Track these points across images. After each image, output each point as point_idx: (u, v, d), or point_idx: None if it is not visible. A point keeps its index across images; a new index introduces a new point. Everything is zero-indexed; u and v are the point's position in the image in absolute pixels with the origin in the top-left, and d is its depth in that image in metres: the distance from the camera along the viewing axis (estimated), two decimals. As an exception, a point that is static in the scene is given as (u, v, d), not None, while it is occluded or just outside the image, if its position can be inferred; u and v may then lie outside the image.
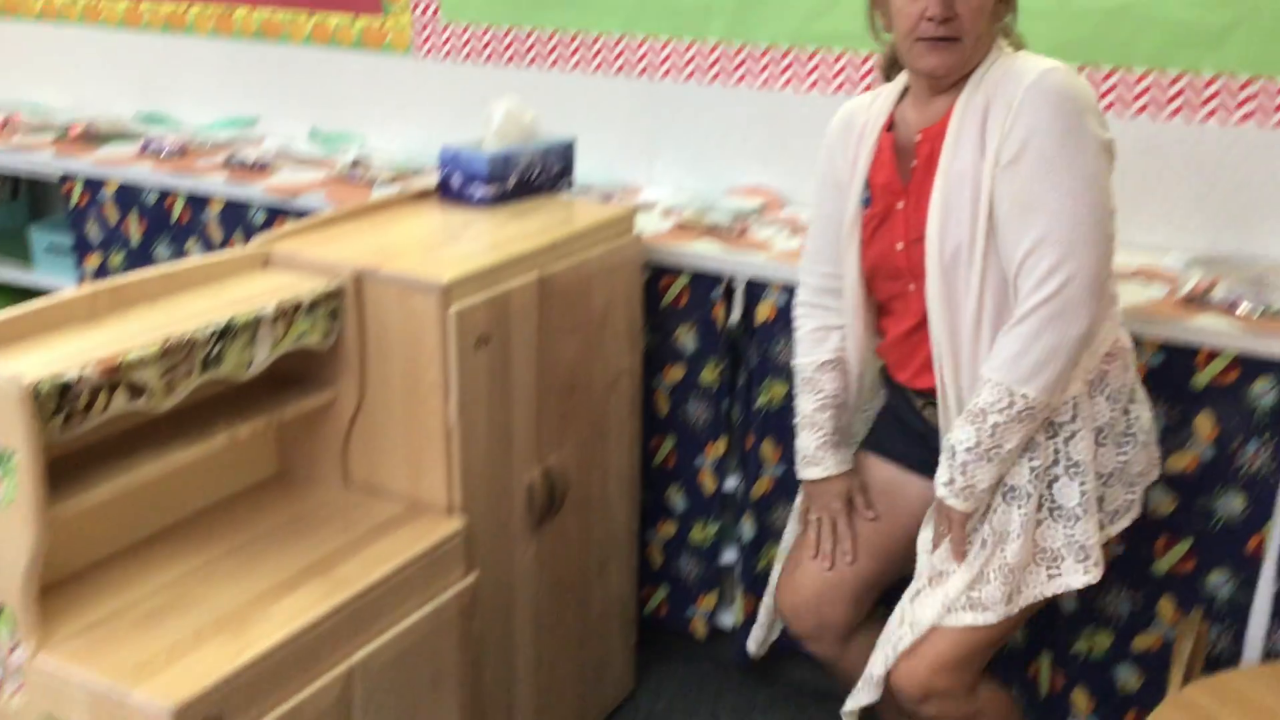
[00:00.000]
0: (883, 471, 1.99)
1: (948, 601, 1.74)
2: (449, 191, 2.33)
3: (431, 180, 2.38)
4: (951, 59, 1.69)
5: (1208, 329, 1.98)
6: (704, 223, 2.50)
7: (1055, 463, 1.72)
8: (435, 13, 3.01)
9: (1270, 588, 2.02)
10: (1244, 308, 2.01)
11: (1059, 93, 1.62)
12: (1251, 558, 2.03)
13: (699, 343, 2.42)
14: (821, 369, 1.97)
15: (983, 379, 1.70)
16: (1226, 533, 2.04)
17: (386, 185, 2.75)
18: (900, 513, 1.96)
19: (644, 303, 2.40)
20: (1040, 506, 1.73)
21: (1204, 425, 2.02)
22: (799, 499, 2.06)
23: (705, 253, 2.38)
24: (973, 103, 1.70)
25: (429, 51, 3.05)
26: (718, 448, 2.44)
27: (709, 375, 2.42)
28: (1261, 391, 1.97)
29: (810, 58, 2.63)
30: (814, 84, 2.63)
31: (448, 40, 3.02)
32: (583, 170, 2.67)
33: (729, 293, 2.36)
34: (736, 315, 2.36)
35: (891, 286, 1.85)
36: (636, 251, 2.32)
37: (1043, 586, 1.74)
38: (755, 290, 2.32)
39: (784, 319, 2.24)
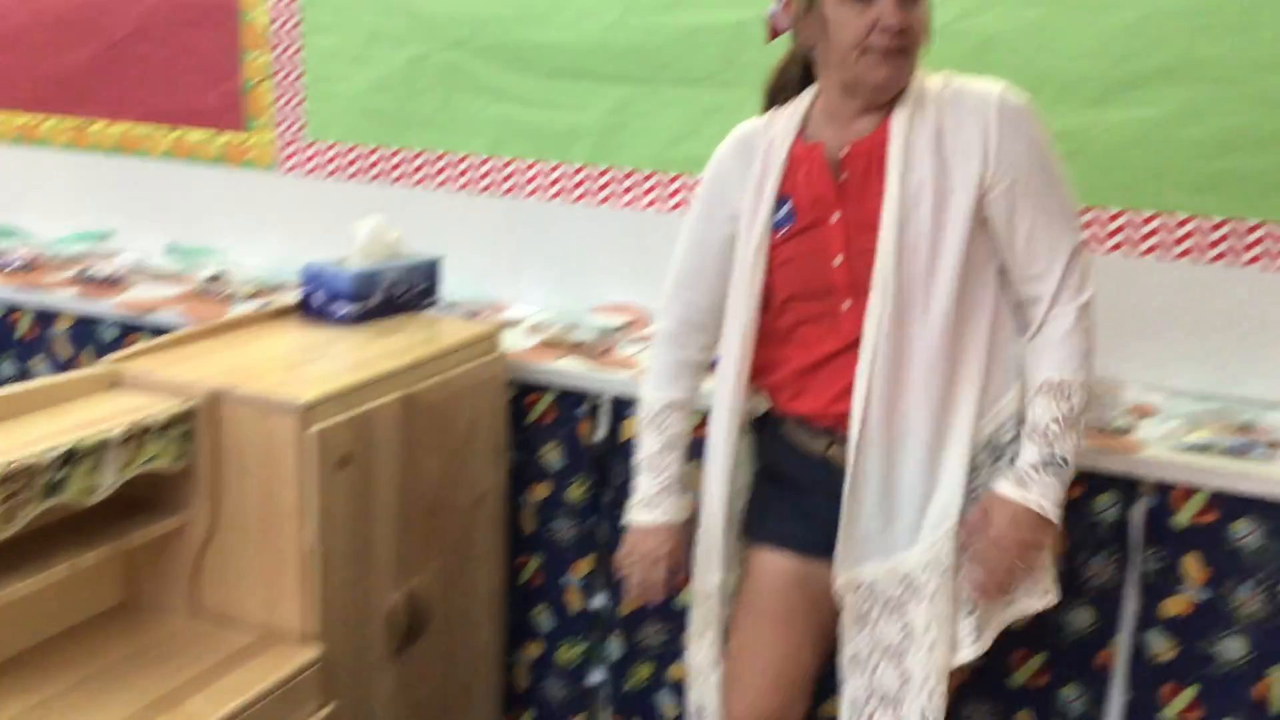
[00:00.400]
0: (784, 566, 1.82)
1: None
2: (311, 309, 2.30)
3: (293, 297, 2.35)
4: (903, 71, 1.67)
5: (1053, 445, 2.06)
6: (569, 340, 2.52)
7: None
8: (301, 129, 3.01)
9: (1120, 700, 2.08)
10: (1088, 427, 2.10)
11: (1032, 111, 1.68)
12: (1100, 671, 2.09)
13: (565, 460, 2.41)
14: (670, 408, 1.91)
15: (1050, 383, 1.67)
16: (1077, 646, 2.10)
17: (246, 302, 2.70)
18: (823, 608, 1.82)
19: (509, 420, 2.39)
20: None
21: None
22: (693, 614, 1.93)
23: (571, 370, 2.39)
24: (922, 118, 1.68)
25: (293, 168, 3.04)
26: (585, 566, 2.43)
27: (575, 493, 2.41)
28: (1104, 506, 2.04)
29: (673, 180, 2.70)
30: (677, 205, 2.69)
31: (313, 157, 3.02)
32: (449, 287, 2.67)
33: (595, 410, 2.37)
34: (602, 432, 2.37)
35: (814, 307, 1.75)
36: (502, 369, 2.32)
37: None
38: (621, 408, 2.34)
39: (649, 437, 2.26)
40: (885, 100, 1.69)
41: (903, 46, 1.64)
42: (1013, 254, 1.69)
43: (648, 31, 2.66)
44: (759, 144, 1.80)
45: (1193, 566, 2.01)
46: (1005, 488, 1.68)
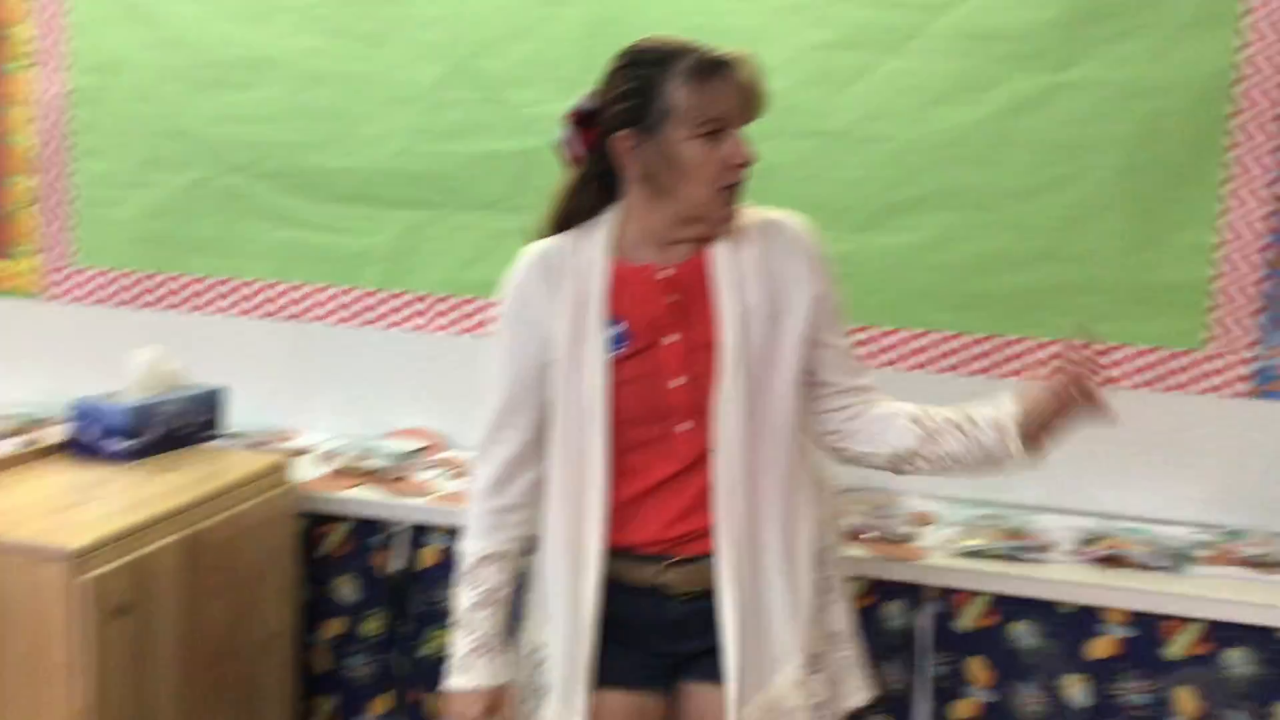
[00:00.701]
0: (626, 705, 1.74)
1: None
2: (82, 446, 2.17)
3: (61, 434, 2.22)
4: (739, 203, 1.70)
5: (846, 557, 2.13)
6: (363, 467, 2.46)
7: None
8: (71, 255, 2.87)
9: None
10: (871, 534, 2.19)
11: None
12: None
13: (360, 593, 2.33)
14: (487, 561, 1.76)
15: (934, 415, 1.73)
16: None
17: (7, 440, 2.53)
18: None
19: (301, 554, 2.30)
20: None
21: (848, 648, 2.14)
22: None
23: (365, 499, 2.33)
24: (745, 244, 1.71)
25: (62, 295, 2.89)
26: (382, 704, 2.34)
27: (371, 626, 2.33)
28: (893, 613, 2.12)
29: (466, 303, 2.71)
30: (470, 328, 2.70)
31: (86, 283, 2.88)
32: (234, 418, 2.57)
33: (390, 539, 2.31)
34: (399, 562, 2.31)
35: (648, 431, 1.71)
36: (292, 501, 2.25)
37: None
38: (419, 535, 2.29)
39: (449, 564, 2.22)
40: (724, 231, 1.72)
41: (743, 179, 1.69)
42: (836, 367, 1.74)
43: (436, 158, 2.68)
44: (564, 266, 1.74)
45: (978, 669, 2.10)
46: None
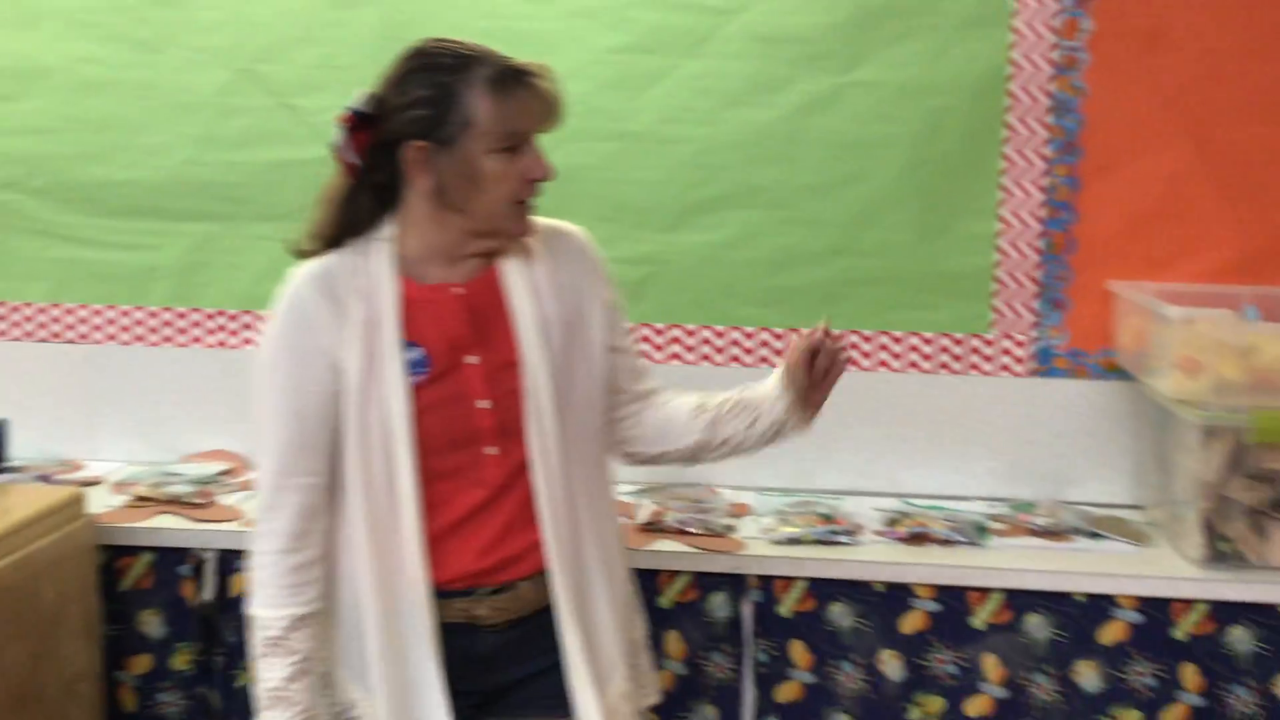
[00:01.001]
0: None
1: None
2: None
3: None
4: (532, 217, 1.65)
5: (669, 551, 2.17)
6: (164, 494, 2.34)
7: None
8: None
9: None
10: (694, 529, 2.23)
11: None
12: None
13: (168, 627, 2.22)
14: (298, 625, 1.60)
15: (714, 402, 1.74)
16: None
17: None
18: None
19: (102, 589, 2.18)
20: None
21: (672, 642, 2.17)
22: None
23: (168, 527, 2.22)
24: (537, 256, 1.67)
25: None
26: (197, 740, 2.24)
27: (181, 661, 2.23)
28: (717, 604, 2.17)
29: (262, 319, 2.61)
30: (270, 344, 2.60)
31: None
32: (16, 450, 2.41)
33: (199, 568, 2.21)
34: (208, 592, 2.21)
35: (455, 459, 1.62)
36: (89, 534, 2.12)
37: None
38: (228, 561, 2.20)
39: (262, 591, 2.13)
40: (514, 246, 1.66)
41: (539, 193, 1.63)
42: (628, 373, 1.74)
43: (225, 167, 2.58)
44: (349, 285, 1.60)
45: (799, 652, 2.16)
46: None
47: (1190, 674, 2.10)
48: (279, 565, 1.60)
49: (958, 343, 2.50)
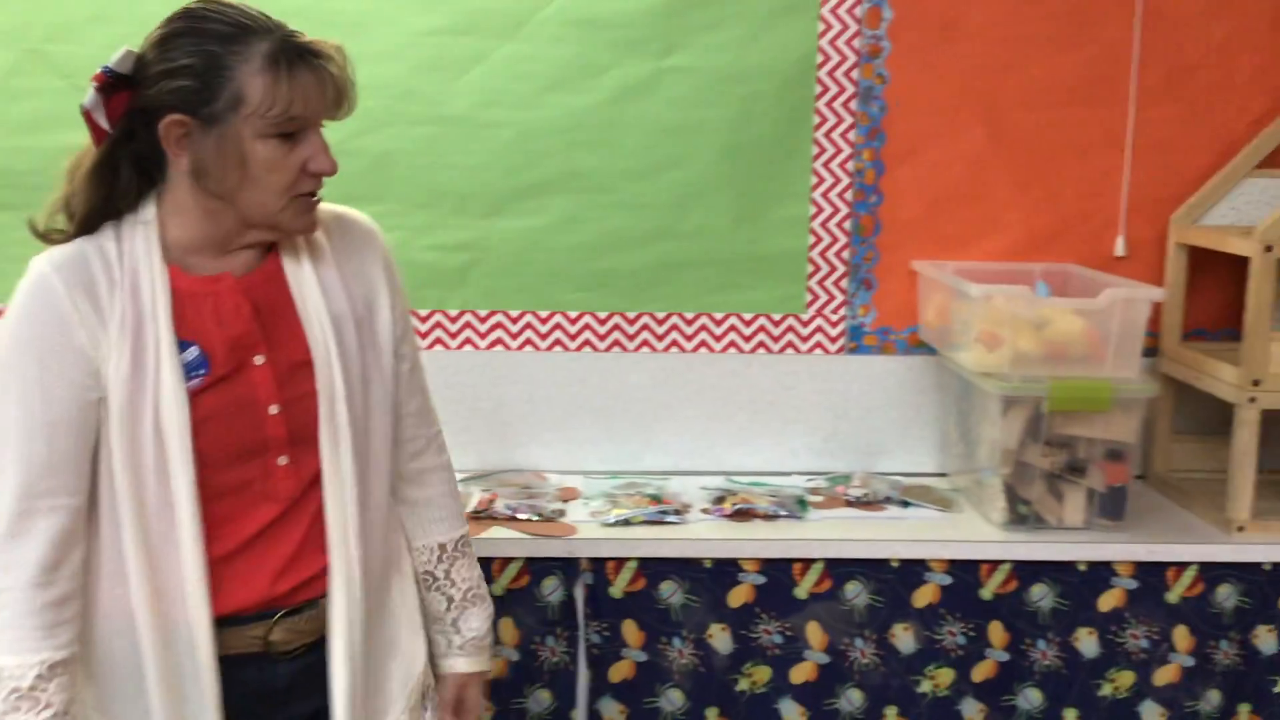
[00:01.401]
0: None
1: None
2: None
3: None
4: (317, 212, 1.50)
5: (501, 538, 2.16)
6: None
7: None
8: None
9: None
10: (525, 515, 2.23)
11: None
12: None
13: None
14: (54, 672, 1.37)
15: (464, 540, 1.69)
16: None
17: None
18: None
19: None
20: None
21: (506, 629, 2.17)
22: None
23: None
24: (322, 245, 1.53)
25: None
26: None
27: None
28: (550, 588, 2.17)
29: None
30: None
31: None
32: None
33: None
34: None
35: (242, 472, 1.46)
36: None
37: None
38: None
39: None
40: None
41: (320, 188, 1.48)
42: (400, 385, 1.60)
43: (13, 153, 2.41)
44: (106, 276, 1.40)
45: (631, 631, 2.19)
46: (467, 664, 1.69)
47: (997, 631, 2.23)
48: (28, 603, 1.36)
49: (775, 323, 2.57)
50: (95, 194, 1.41)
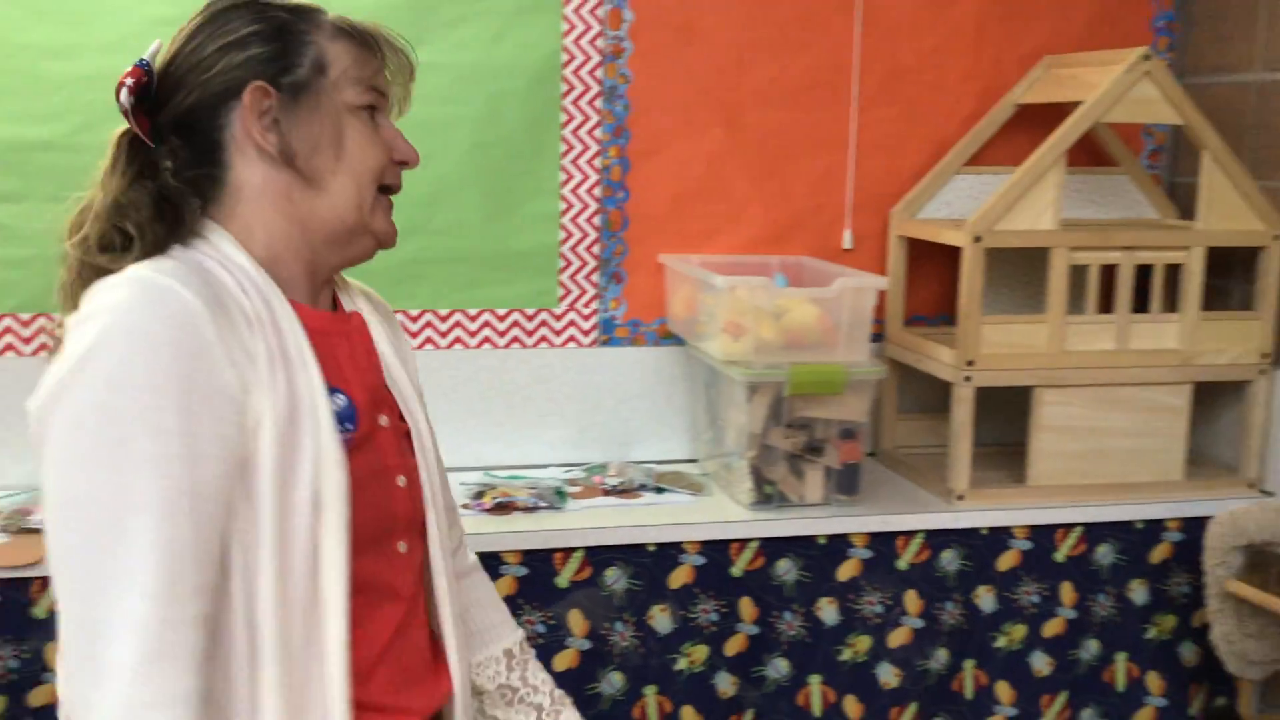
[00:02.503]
0: None
1: None
2: None
3: None
4: None
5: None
6: None
7: None
8: None
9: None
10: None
11: None
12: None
13: None
14: None
15: (519, 645, 1.47)
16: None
17: None
18: None
19: None
20: None
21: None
22: None
23: None
24: (360, 294, 1.31)
25: None
26: None
27: None
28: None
29: None
30: None
31: None
32: None
33: None
34: None
35: (374, 560, 1.16)
36: None
37: None
38: None
39: None
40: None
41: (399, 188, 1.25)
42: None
43: None
44: (241, 306, 1.08)
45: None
46: None
47: (747, 606, 2.34)
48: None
49: (529, 318, 2.61)
50: (157, 209, 1.11)
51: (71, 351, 1.00)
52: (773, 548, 2.34)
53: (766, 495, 2.38)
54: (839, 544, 2.37)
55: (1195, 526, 2.48)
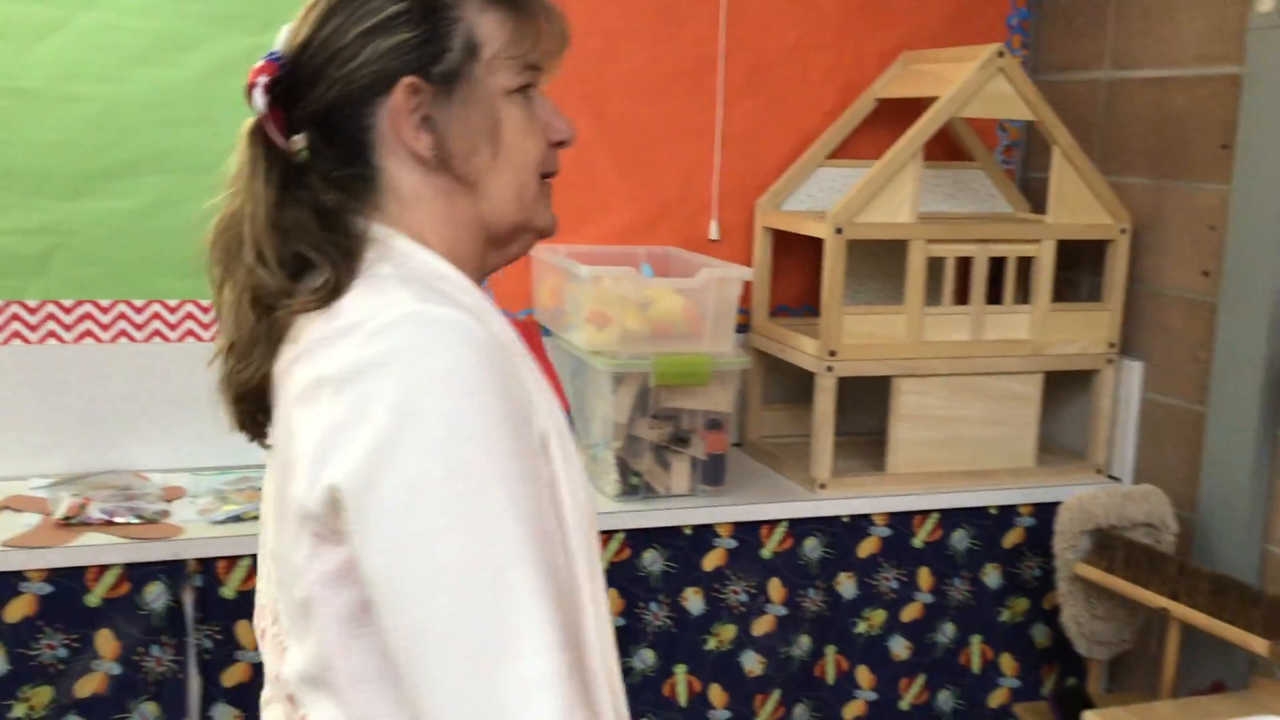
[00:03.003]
0: None
1: None
2: None
3: None
4: None
5: (94, 545, 2.01)
6: None
7: None
8: None
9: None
10: (122, 518, 2.08)
11: None
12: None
13: None
14: None
15: None
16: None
17: None
18: None
19: None
20: None
21: (103, 641, 2.02)
22: None
23: None
24: None
25: None
26: None
27: None
28: (154, 595, 2.05)
29: None
30: None
31: None
32: None
33: None
34: None
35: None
36: None
37: None
38: None
39: None
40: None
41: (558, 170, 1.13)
42: None
43: None
44: (503, 334, 1.03)
45: (244, 632, 2.11)
46: None
47: (613, 598, 2.33)
48: None
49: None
50: (326, 226, 1.01)
51: (370, 412, 0.90)
52: (638, 539, 2.34)
53: (633, 486, 2.38)
54: (704, 534, 2.37)
55: (1046, 512, 2.56)
